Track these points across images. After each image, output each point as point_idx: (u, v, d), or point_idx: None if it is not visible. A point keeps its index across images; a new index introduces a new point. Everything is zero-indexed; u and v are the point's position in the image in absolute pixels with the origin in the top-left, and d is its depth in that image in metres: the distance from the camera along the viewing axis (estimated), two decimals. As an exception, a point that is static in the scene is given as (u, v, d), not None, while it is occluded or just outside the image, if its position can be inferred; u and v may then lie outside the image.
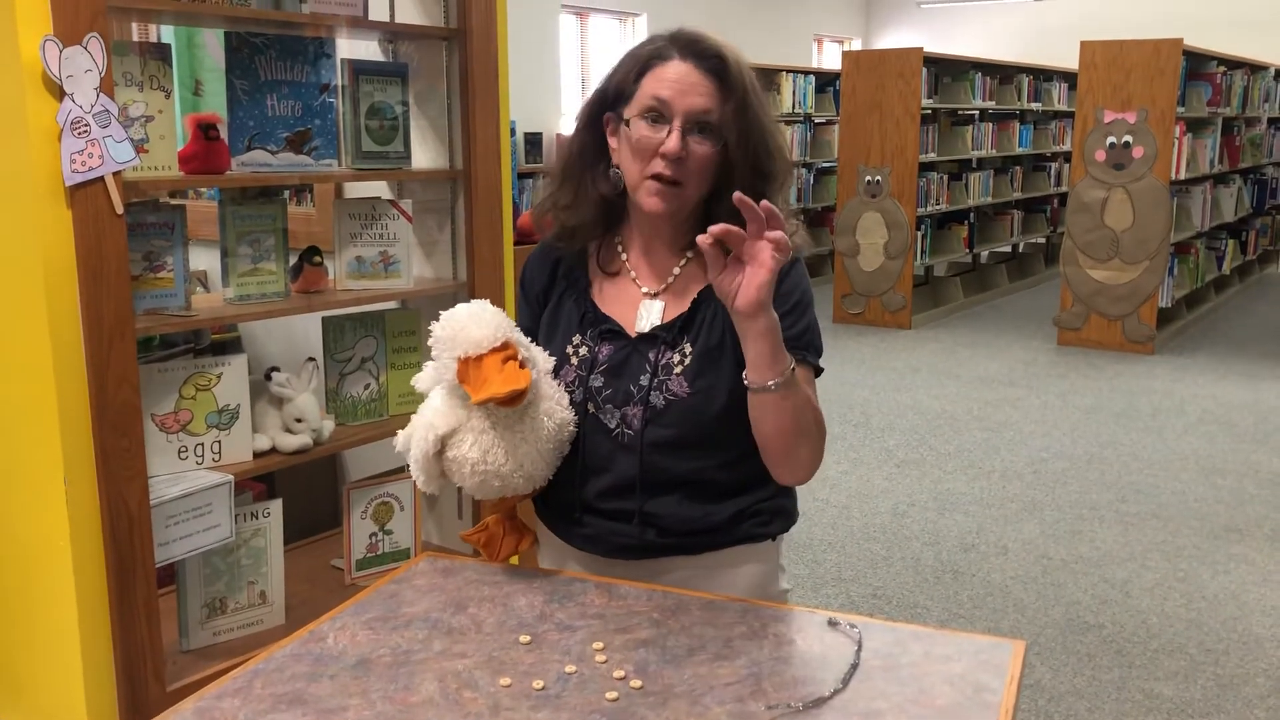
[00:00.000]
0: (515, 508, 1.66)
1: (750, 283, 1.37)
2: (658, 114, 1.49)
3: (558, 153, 1.67)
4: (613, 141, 1.58)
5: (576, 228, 1.62)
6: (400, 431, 1.60)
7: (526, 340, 1.53)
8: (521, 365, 1.47)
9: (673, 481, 1.56)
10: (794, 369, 1.44)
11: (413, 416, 1.58)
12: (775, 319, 1.41)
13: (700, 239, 1.37)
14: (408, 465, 1.58)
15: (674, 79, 1.50)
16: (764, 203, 1.35)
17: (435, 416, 1.52)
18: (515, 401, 1.45)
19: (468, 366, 1.46)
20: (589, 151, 1.60)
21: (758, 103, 1.53)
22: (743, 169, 1.52)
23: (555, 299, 1.66)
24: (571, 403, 1.57)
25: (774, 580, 1.68)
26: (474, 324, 1.47)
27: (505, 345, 1.47)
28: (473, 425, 1.50)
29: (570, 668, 1.29)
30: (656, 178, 1.50)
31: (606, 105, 1.58)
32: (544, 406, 1.53)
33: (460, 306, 1.51)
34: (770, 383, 1.42)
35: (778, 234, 1.36)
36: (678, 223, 1.58)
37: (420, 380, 1.60)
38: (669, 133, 1.49)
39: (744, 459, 1.56)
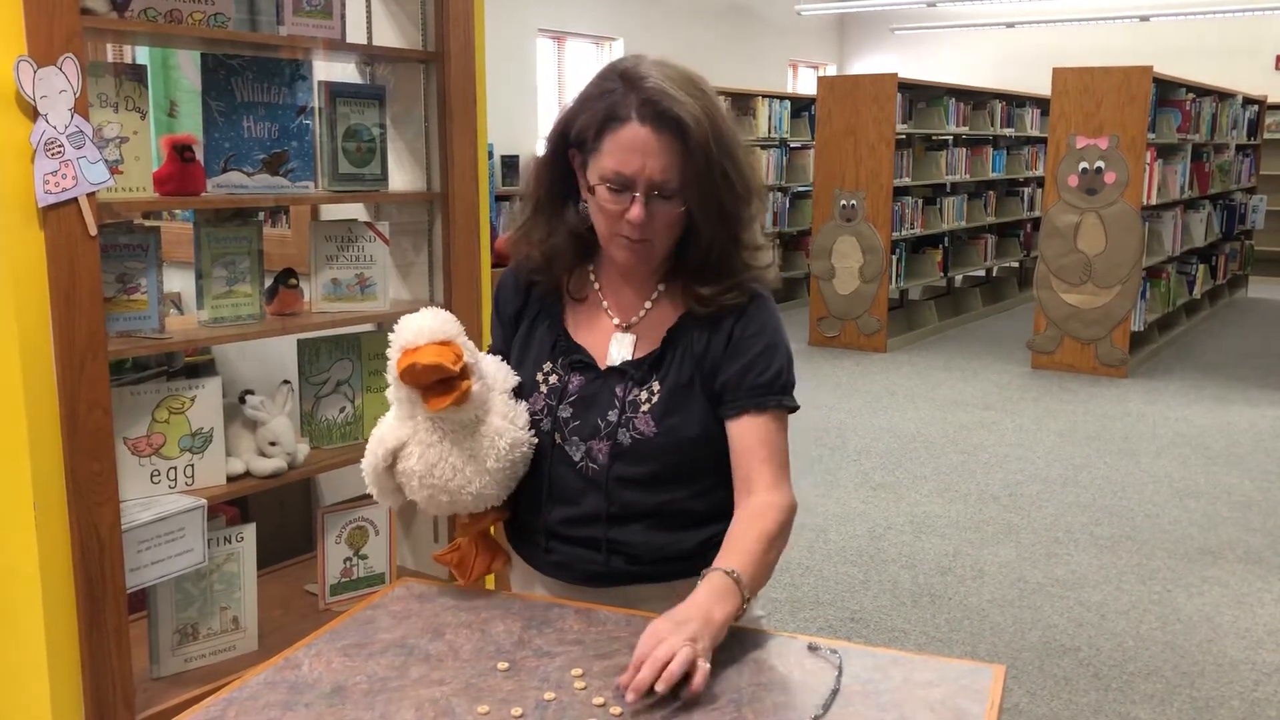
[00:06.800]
0: (489, 529, 1.65)
1: (697, 678, 1.24)
2: (620, 184, 1.46)
3: (526, 183, 1.65)
4: (581, 175, 1.56)
5: (553, 259, 1.60)
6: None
7: (474, 348, 1.51)
8: (464, 372, 1.45)
9: (641, 514, 1.55)
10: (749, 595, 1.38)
11: (372, 432, 1.59)
12: (727, 611, 1.34)
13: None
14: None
15: (633, 147, 1.43)
16: (695, 683, 1.24)
17: (385, 430, 1.54)
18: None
19: (406, 356, 1.45)
20: (558, 185, 1.58)
21: (724, 152, 1.45)
22: (709, 222, 1.50)
23: (529, 322, 1.65)
24: (538, 431, 1.57)
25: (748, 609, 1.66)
26: (419, 318, 1.48)
27: (448, 342, 1.46)
28: (419, 438, 1.51)
29: (549, 695, 1.28)
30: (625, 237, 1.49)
31: (571, 143, 1.54)
32: (495, 424, 1.52)
33: (412, 315, 1.50)
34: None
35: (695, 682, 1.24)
36: (649, 269, 1.58)
37: (389, 393, 1.60)
38: (632, 201, 1.45)
39: (715, 488, 1.56)
